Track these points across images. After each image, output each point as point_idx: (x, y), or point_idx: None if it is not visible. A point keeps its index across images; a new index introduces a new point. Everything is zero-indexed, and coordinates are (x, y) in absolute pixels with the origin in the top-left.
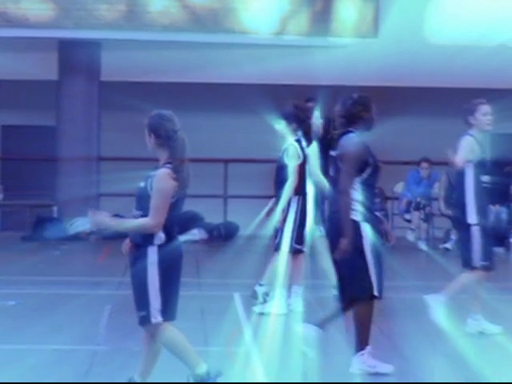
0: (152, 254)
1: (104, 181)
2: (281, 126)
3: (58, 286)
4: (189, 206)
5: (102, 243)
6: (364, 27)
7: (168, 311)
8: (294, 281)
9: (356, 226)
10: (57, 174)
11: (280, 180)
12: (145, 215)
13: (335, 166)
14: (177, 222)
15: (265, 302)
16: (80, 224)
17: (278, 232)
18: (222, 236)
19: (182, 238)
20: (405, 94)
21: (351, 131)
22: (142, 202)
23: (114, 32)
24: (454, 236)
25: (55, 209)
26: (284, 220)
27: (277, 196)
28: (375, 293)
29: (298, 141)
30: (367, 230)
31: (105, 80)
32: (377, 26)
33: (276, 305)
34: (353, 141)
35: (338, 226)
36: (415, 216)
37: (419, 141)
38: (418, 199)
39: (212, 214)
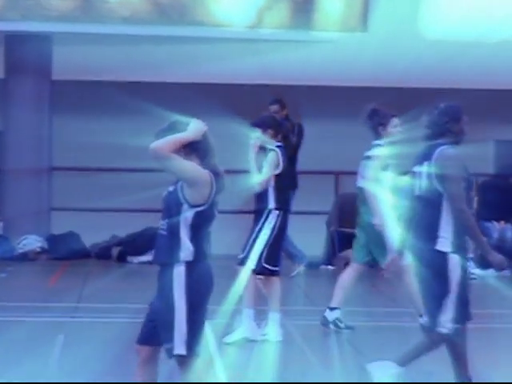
0: (178, 274)
1: (57, 194)
2: (256, 134)
3: (3, 313)
4: (152, 221)
5: (55, 264)
6: (351, 20)
7: (194, 344)
8: (270, 307)
9: (444, 257)
10: (2, 186)
11: (259, 193)
12: (172, 222)
13: (425, 183)
14: (137, 241)
15: (337, 327)
16: (29, 242)
17: (247, 245)
18: None
19: (141, 258)
20: (398, 95)
21: (442, 143)
22: (171, 210)
23: (67, 24)
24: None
25: (1, 225)
26: (257, 233)
27: (256, 211)
28: (460, 323)
29: (279, 147)
30: (457, 262)
31: (57, 79)
32: (366, 18)
33: (246, 329)
34: (453, 156)
35: (426, 254)
36: None
37: (414, 147)
38: None
39: None
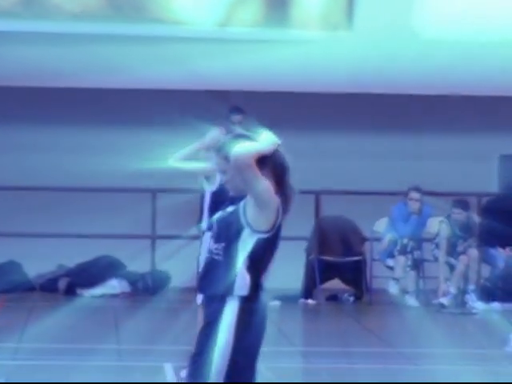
0: (229, 311)
1: None
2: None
3: None
4: (106, 249)
5: None
6: (334, 16)
7: None
8: None
9: None
10: None
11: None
12: (229, 246)
13: None
14: (88, 271)
15: None
16: None
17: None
18: (150, 288)
19: (97, 291)
20: (387, 103)
21: None
22: (229, 234)
23: (6, 21)
24: (452, 289)
25: None
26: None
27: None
28: None
29: None
30: None
31: None
32: (351, 15)
33: None
34: None
35: None
36: (400, 262)
37: (410, 164)
38: (405, 241)
39: (136, 260)
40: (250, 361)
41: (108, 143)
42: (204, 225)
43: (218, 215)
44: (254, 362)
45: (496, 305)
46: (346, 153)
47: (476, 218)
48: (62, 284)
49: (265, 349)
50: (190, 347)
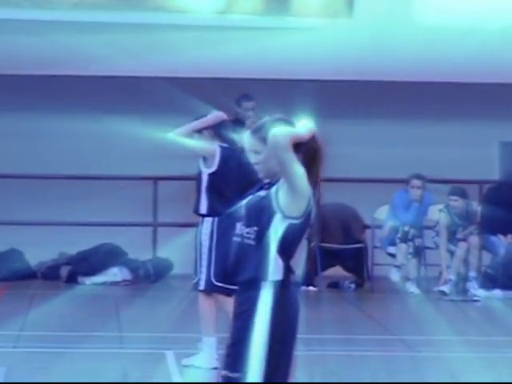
0: (265, 295)
1: None
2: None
3: None
4: (107, 237)
5: None
6: (335, 4)
7: (273, 380)
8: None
9: None
10: None
11: (196, 196)
12: (262, 231)
13: None
14: (89, 259)
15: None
16: None
17: (195, 264)
18: (151, 276)
19: (98, 279)
20: (388, 90)
21: None
22: (261, 219)
23: (4, 10)
24: (452, 276)
25: None
26: (199, 248)
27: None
28: None
29: (223, 147)
30: None
31: None
32: (351, 3)
33: (204, 357)
34: None
35: None
36: (402, 250)
37: (411, 151)
38: (406, 228)
39: (137, 248)
40: (287, 347)
41: (109, 130)
42: (203, 208)
43: (247, 199)
44: (292, 349)
45: (497, 292)
46: (347, 140)
47: (475, 206)
48: (64, 272)
49: None
50: (192, 334)
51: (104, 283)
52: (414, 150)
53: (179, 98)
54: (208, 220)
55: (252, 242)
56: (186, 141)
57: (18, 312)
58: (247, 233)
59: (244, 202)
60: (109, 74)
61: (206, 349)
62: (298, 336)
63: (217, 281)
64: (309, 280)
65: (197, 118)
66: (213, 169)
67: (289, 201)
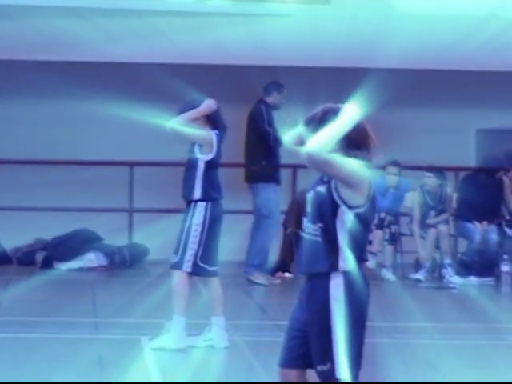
0: (336, 286)
1: None
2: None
3: None
4: (83, 222)
5: None
6: None
7: (355, 366)
8: (212, 311)
9: None
10: None
11: (186, 183)
12: (327, 226)
13: None
14: (65, 245)
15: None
16: None
17: (179, 246)
18: (127, 261)
19: (74, 264)
20: (366, 77)
21: None
22: (324, 213)
23: None
24: (427, 263)
25: None
26: (187, 231)
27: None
28: None
29: (217, 134)
30: None
31: None
32: None
33: (172, 338)
34: None
35: None
36: (377, 236)
37: (387, 137)
38: (382, 215)
39: (113, 234)
40: (363, 334)
41: (85, 116)
42: (197, 193)
43: (309, 196)
44: (364, 337)
45: (473, 279)
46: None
47: (449, 190)
48: (39, 257)
49: (241, 322)
50: (167, 319)
51: (80, 269)
52: (391, 136)
53: (160, 83)
54: (201, 205)
55: (319, 239)
56: (184, 129)
57: None
58: (314, 230)
59: (308, 197)
60: (88, 60)
61: (175, 328)
62: (274, 322)
63: (202, 262)
64: (285, 266)
65: (186, 106)
66: (210, 156)
67: (349, 193)
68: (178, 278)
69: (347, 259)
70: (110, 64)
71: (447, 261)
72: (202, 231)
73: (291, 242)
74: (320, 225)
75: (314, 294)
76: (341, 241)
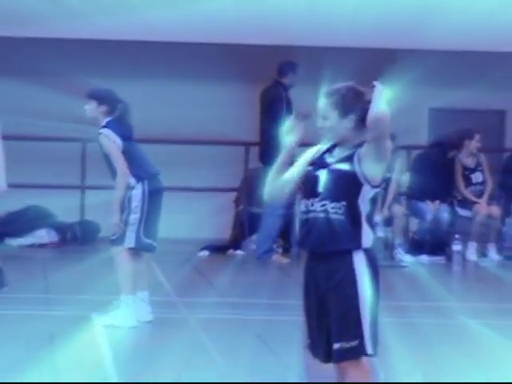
0: (360, 262)
1: None
2: (90, 106)
3: None
4: (35, 199)
5: None
6: None
7: (377, 341)
8: (140, 285)
9: None
10: None
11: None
12: (351, 204)
13: None
14: (17, 221)
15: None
16: None
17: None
18: (78, 239)
19: (26, 240)
20: (333, 56)
21: None
22: (348, 192)
23: None
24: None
25: None
26: (127, 211)
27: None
28: None
29: (111, 124)
30: None
31: None
32: None
33: (122, 315)
34: None
35: None
36: None
37: None
38: None
39: (65, 210)
40: (378, 305)
41: (38, 91)
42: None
43: (321, 174)
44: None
45: (424, 258)
46: None
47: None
48: None
49: (193, 299)
50: (118, 296)
51: (31, 245)
52: None
53: (110, 60)
54: (138, 188)
55: (341, 217)
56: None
57: None
58: (332, 208)
59: (318, 174)
60: (51, 36)
61: (125, 307)
62: (226, 300)
63: (146, 237)
64: (236, 244)
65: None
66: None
67: (375, 170)
68: (122, 256)
69: (368, 236)
70: (81, 41)
71: (398, 240)
72: (142, 208)
73: (242, 220)
74: (343, 203)
75: (338, 271)
76: (363, 219)
